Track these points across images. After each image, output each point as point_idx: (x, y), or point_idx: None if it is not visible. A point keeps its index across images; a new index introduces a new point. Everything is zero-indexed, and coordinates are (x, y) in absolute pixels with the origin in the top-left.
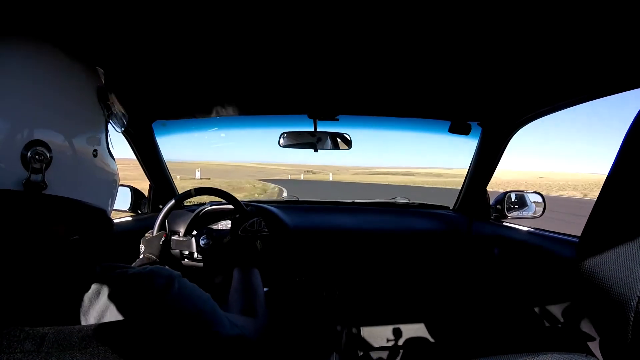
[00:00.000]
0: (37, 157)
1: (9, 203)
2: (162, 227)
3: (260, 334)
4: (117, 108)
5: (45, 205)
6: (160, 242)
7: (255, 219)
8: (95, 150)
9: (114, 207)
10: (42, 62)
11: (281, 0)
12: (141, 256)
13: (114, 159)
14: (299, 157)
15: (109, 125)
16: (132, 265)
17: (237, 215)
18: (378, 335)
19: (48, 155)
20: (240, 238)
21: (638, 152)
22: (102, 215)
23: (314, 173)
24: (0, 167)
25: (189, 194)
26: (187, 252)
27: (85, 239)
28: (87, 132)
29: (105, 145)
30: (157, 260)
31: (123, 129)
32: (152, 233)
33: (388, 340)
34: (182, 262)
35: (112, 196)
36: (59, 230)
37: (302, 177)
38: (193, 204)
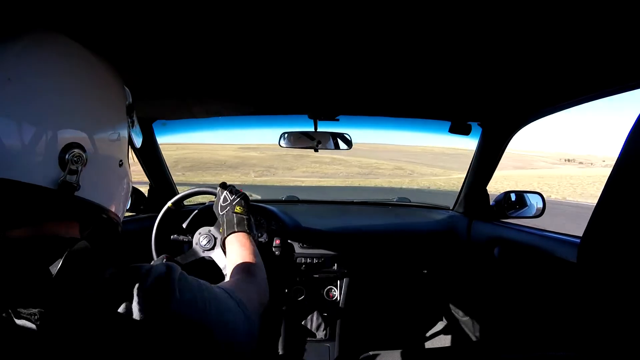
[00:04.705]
0: (75, 158)
1: (40, 200)
2: (159, 250)
3: (261, 300)
4: (137, 124)
5: (73, 206)
6: None
7: (223, 194)
8: (121, 161)
9: None
10: (82, 65)
11: (281, 0)
12: None
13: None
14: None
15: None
16: None
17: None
18: (377, 334)
19: (84, 157)
20: (222, 216)
21: None
22: (118, 221)
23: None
24: (37, 164)
25: (168, 209)
26: (193, 259)
27: (95, 241)
28: (117, 142)
29: (127, 156)
30: None
31: (139, 145)
32: (154, 260)
33: (387, 340)
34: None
35: (126, 204)
36: (73, 230)
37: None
38: (192, 204)
